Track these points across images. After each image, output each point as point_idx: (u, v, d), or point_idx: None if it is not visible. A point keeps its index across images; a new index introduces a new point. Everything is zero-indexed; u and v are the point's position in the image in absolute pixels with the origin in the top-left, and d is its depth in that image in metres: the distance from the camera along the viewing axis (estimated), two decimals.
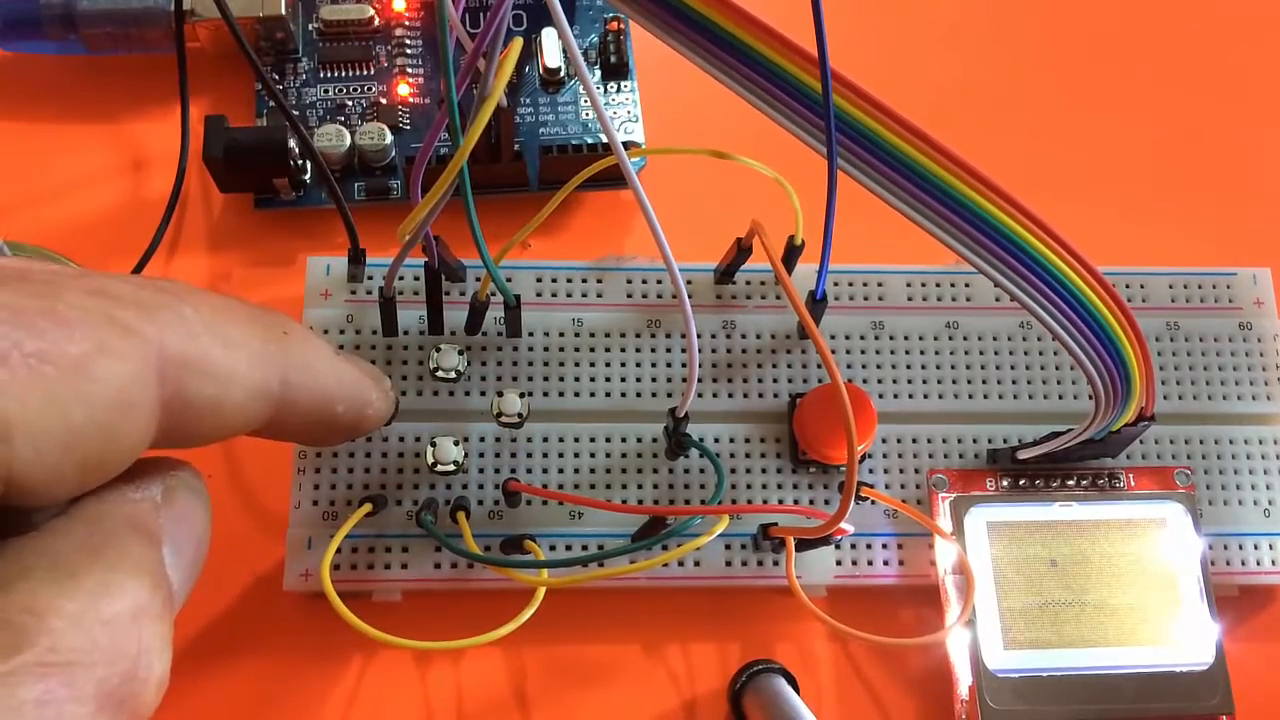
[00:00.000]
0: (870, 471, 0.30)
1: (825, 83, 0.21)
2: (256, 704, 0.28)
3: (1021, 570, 0.29)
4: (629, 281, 0.30)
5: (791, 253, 0.28)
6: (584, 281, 0.30)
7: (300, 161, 0.32)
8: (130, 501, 0.15)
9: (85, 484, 0.14)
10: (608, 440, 0.29)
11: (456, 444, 0.28)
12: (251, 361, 0.17)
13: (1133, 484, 0.30)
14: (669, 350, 0.30)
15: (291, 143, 0.31)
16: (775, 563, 0.29)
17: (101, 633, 0.13)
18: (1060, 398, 0.30)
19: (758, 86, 0.22)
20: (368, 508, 0.27)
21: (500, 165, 0.31)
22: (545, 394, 0.29)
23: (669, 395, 0.30)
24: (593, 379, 0.30)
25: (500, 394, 0.27)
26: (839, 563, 0.29)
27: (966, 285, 0.31)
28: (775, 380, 0.30)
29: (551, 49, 0.34)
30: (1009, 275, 0.22)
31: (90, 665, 0.13)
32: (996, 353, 0.31)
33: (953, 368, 0.30)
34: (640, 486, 0.29)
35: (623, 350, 0.30)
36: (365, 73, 0.34)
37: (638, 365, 0.30)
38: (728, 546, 0.29)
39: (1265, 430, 0.31)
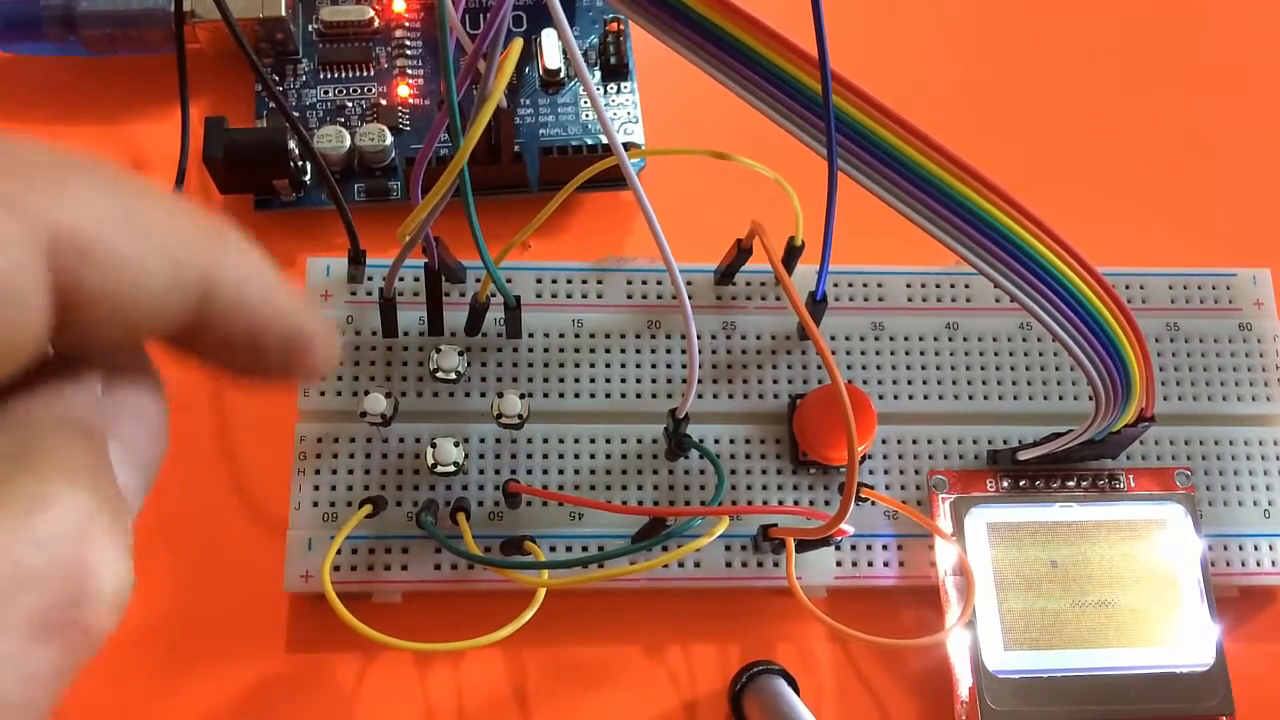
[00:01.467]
0: (870, 472, 0.30)
1: (825, 83, 0.21)
2: (256, 705, 0.28)
3: (1022, 571, 0.29)
4: (629, 282, 0.30)
5: (791, 254, 0.28)
6: (584, 282, 0.30)
7: (300, 162, 0.32)
8: (63, 397, 0.13)
9: None
10: (608, 441, 0.29)
11: (456, 445, 0.28)
12: (166, 254, 0.14)
13: (1133, 485, 0.30)
14: (669, 351, 0.30)
15: (291, 144, 0.31)
16: (775, 564, 0.29)
17: (33, 555, 0.12)
18: (1060, 399, 0.30)
19: (758, 87, 0.22)
20: (368, 509, 0.27)
21: (500, 166, 0.31)
22: (545, 395, 0.29)
23: (669, 396, 0.30)
24: (593, 380, 0.30)
25: (500, 395, 0.27)
26: (839, 564, 0.29)
27: (966, 286, 0.31)
28: (775, 381, 0.30)
29: (551, 50, 0.34)
30: (1009, 276, 0.22)
31: (18, 592, 0.11)
32: (996, 354, 0.31)
33: (953, 368, 0.30)
34: (640, 487, 0.29)
35: (623, 351, 0.30)
36: (365, 74, 0.34)
37: (638, 366, 0.30)
38: (728, 547, 0.29)
39: (1265, 431, 0.31)
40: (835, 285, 0.31)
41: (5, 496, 0.12)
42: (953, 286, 0.31)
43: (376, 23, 0.34)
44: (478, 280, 0.29)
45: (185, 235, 0.15)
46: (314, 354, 0.18)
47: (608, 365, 0.30)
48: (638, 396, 0.30)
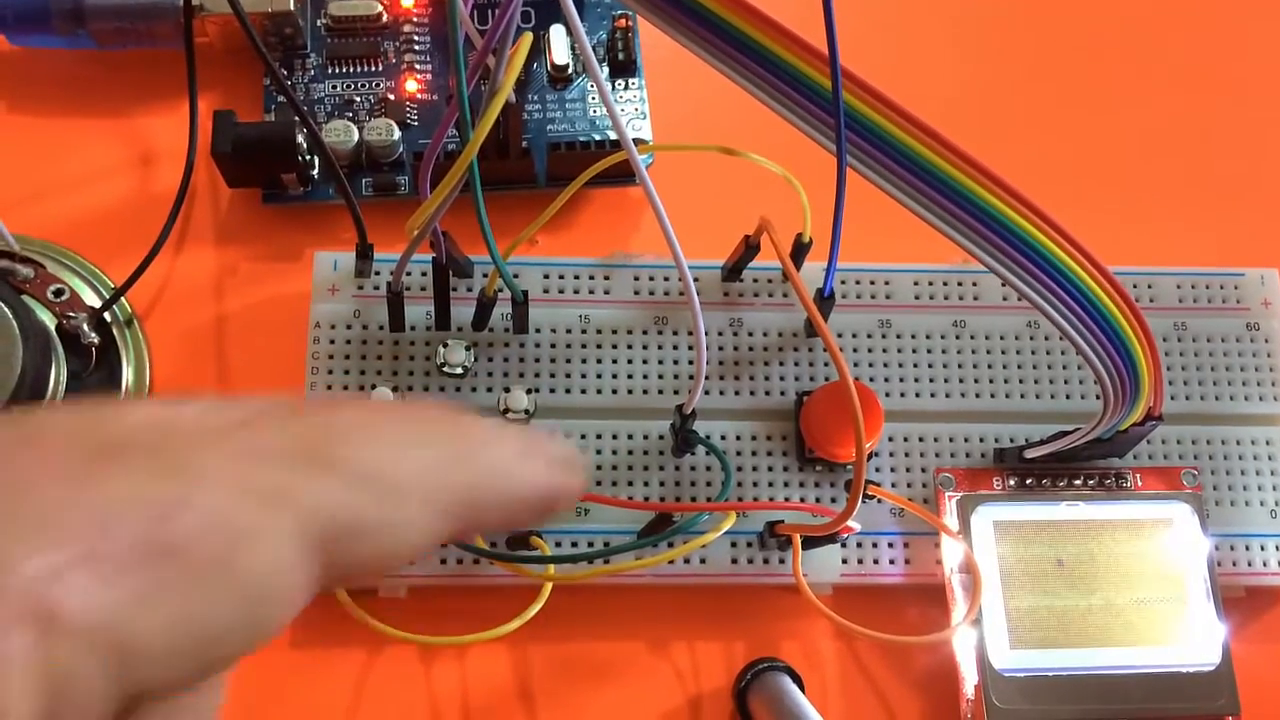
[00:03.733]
0: (877, 470, 0.30)
1: (835, 80, 0.21)
2: (261, 698, 0.28)
3: (1028, 569, 0.29)
4: (636, 278, 0.30)
5: (799, 250, 0.28)
6: (591, 278, 0.30)
7: (308, 157, 0.32)
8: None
9: (227, 667, 0.13)
10: (614, 437, 0.29)
11: None
12: (424, 504, 0.14)
13: (1140, 484, 0.30)
14: (676, 347, 0.30)
15: (300, 138, 0.31)
16: (781, 560, 0.29)
17: None
18: (1068, 397, 0.30)
19: (767, 83, 0.22)
20: None
21: (508, 162, 0.31)
22: (552, 390, 0.29)
23: (676, 392, 0.29)
24: (599, 376, 0.30)
25: (507, 390, 0.27)
26: (845, 561, 0.29)
27: (974, 284, 0.31)
28: (782, 378, 0.30)
29: (560, 46, 0.34)
30: (1018, 273, 0.22)
31: None
32: (1004, 352, 0.31)
33: (960, 366, 0.30)
34: (647, 483, 0.29)
35: (629, 347, 0.30)
36: (373, 68, 0.34)
37: (644, 362, 0.30)
38: (734, 544, 0.29)
39: (1273, 431, 0.31)
40: (842, 282, 0.31)
41: None
42: (960, 284, 0.31)
43: (385, 18, 0.34)
44: (485, 275, 0.29)
45: (439, 470, 0.15)
46: (565, 504, 0.18)
47: (614, 361, 0.30)
48: (644, 392, 0.29)
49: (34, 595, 0.11)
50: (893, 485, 0.30)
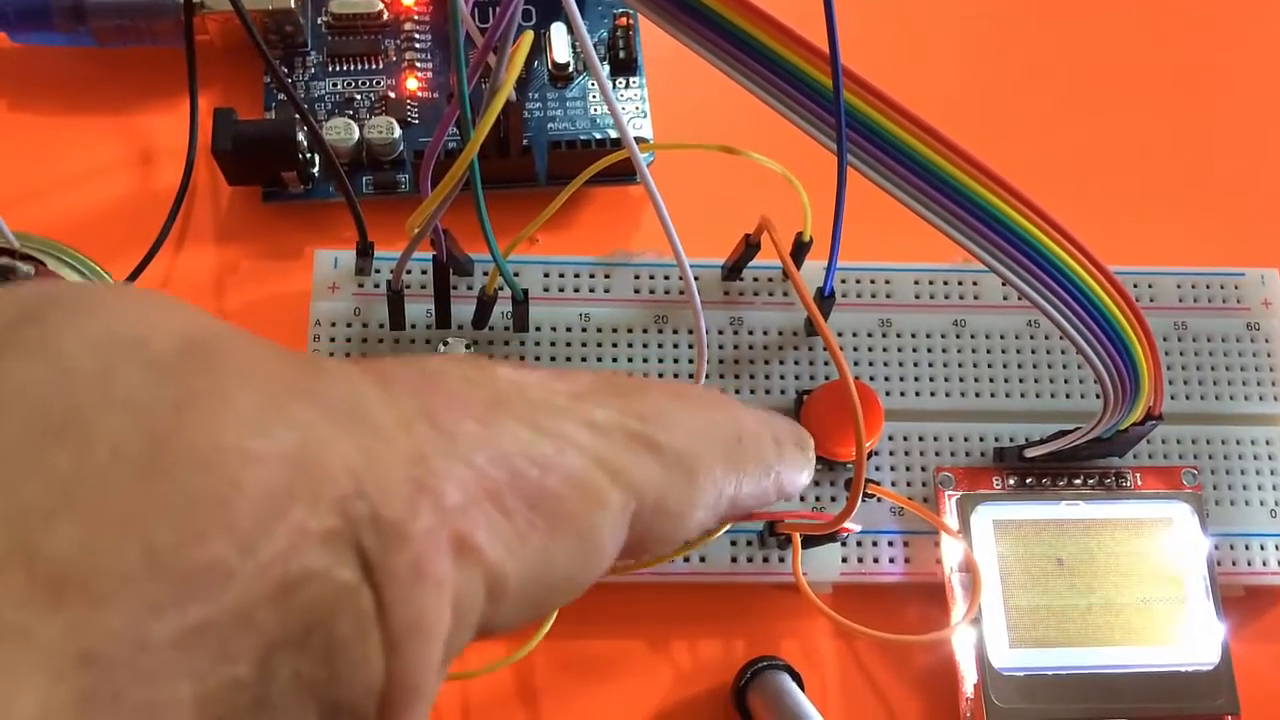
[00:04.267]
0: (877, 469, 0.30)
1: (836, 78, 0.21)
2: None
3: (1028, 569, 0.29)
4: (636, 277, 0.30)
5: (799, 249, 0.28)
6: (591, 277, 0.30)
7: (309, 155, 0.32)
8: None
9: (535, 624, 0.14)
10: None
11: None
12: (709, 493, 0.16)
13: (1140, 483, 0.30)
14: (676, 346, 0.30)
15: (300, 136, 0.31)
16: (781, 559, 0.29)
17: None
18: (1068, 396, 0.30)
19: (768, 82, 0.22)
20: None
21: (508, 160, 0.31)
22: None
23: None
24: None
25: None
26: (845, 560, 0.29)
27: (974, 283, 0.31)
28: (782, 377, 0.30)
29: (561, 44, 0.34)
30: (1019, 272, 0.22)
31: None
32: (1004, 351, 0.31)
33: (960, 365, 0.30)
34: None
35: (630, 346, 0.30)
36: (374, 66, 0.34)
37: (645, 361, 0.30)
38: (733, 543, 0.29)
39: (1273, 431, 0.31)
40: (843, 281, 0.31)
41: None
42: (960, 283, 0.31)
43: (385, 16, 0.34)
44: (485, 273, 0.29)
45: (724, 464, 0.16)
46: (799, 487, 0.21)
47: (615, 360, 0.30)
48: None
49: (455, 521, 0.12)
50: (892, 484, 0.30)
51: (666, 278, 0.30)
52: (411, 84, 0.34)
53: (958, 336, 0.31)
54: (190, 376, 0.10)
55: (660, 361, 0.30)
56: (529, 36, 0.20)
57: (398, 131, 0.32)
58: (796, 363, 0.30)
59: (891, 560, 0.29)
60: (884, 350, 0.30)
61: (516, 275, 0.30)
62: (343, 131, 0.32)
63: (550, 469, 0.13)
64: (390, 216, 0.31)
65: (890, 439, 0.30)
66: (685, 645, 0.29)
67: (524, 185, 0.32)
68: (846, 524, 0.24)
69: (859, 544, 0.29)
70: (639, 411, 0.15)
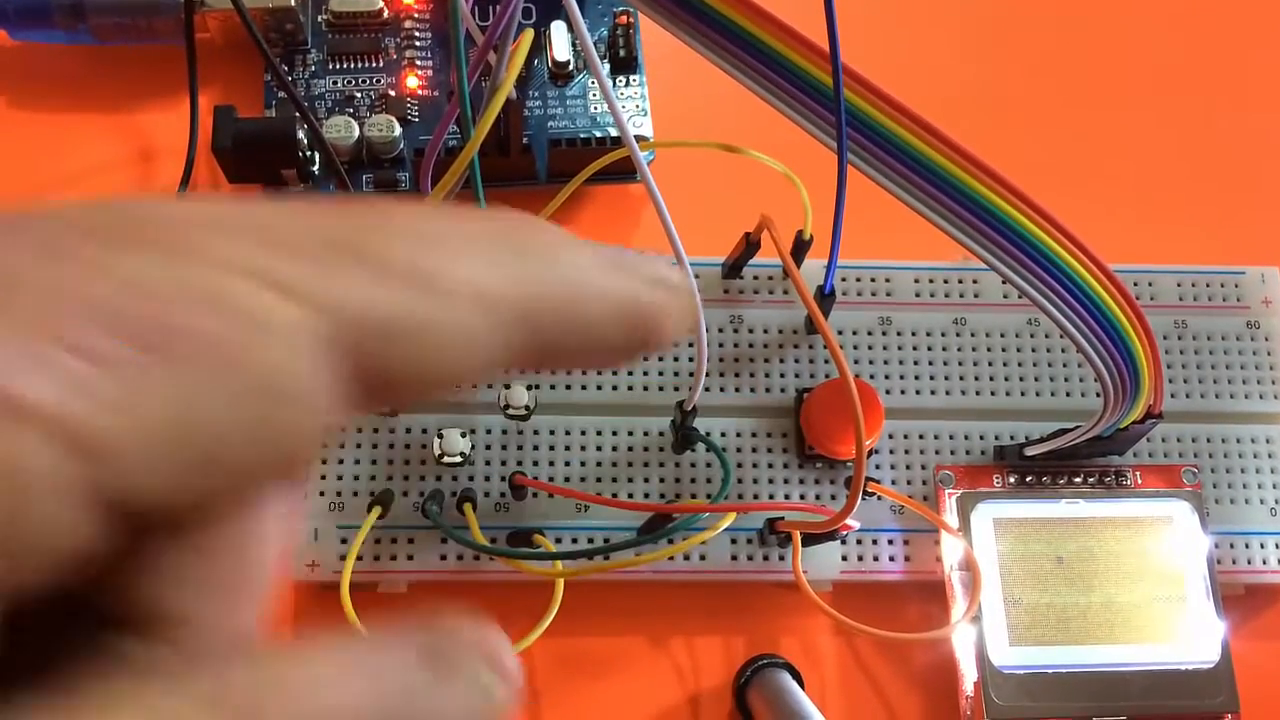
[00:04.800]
0: (877, 467, 0.30)
1: (836, 77, 0.21)
2: None
3: (1027, 567, 0.29)
4: None
5: (800, 248, 0.28)
6: None
7: (309, 153, 0.32)
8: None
9: (240, 488, 0.12)
10: (614, 434, 0.29)
11: (463, 435, 0.28)
12: (477, 306, 0.13)
13: (1140, 482, 0.30)
14: (676, 344, 0.30)
15: (300, 134, 0.31)
16: (781, 557, 0.29)
17: None
18: (1068, 395, 0.30)
19: (768, 80, 0.22)
20: (377, 510, 0.27)
21: (509, 158, 0.31)
22: (552, 386, 0.29)
23: (676, 389, 0.29)
24: (600, 372, 0.30)
25: (507, 386, 0.27)
26: (845, 558, 0.29)
27: (975, 281, 0.31)
28: (783, 375, 0.30)
29: (561, 42, 0.33)
30: (1019, 271, 0.22)
31: None
32: (1004, 349, 0.31)
33: (960, 364, 0.30)
34: (647, 480, 0.29)
35: None
36: (374, 64, 0.34)
37: (645, 359, 0.30)
38: (734, 541, 0.29)
39: (1272, 429, 0.31)
40: (843, 280, 0.31)
41: None
42: (960, 282, 0.31)
43: (386, 14, 0.34)
44: None
45: (497, 273, 0.13)
46: (656, 332, 0.15)
47: None
48: (645, 389, 0.30)
49: None
50: (893, 482, 0.30)
51: None
52: (412, 82, 0.34)
53: (958, 335, 0.31)
54: None
55: (660, 359, 0.30)
56: (529, 35, 0.20)
57: (398, 129, 0.32)
58: (797, 361, 0.30)
59: (892, 558, 0.29)
60: (884, 348, 0.30)
61: None
62: (343, 129, 0.32)
63: (178, 298, 0.11)
64: None
65: (890, 437, 0.30)
66: (685, 643, 0.29)
67: (524, 183, 0.32)
68: (846, 522, 0.24)
69: (859, 542, 0.29)
70: (356, 224, 0.12)
